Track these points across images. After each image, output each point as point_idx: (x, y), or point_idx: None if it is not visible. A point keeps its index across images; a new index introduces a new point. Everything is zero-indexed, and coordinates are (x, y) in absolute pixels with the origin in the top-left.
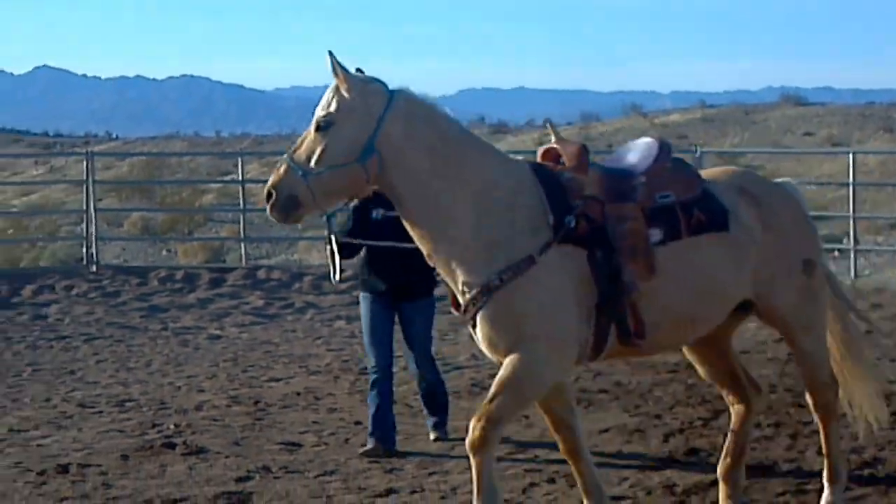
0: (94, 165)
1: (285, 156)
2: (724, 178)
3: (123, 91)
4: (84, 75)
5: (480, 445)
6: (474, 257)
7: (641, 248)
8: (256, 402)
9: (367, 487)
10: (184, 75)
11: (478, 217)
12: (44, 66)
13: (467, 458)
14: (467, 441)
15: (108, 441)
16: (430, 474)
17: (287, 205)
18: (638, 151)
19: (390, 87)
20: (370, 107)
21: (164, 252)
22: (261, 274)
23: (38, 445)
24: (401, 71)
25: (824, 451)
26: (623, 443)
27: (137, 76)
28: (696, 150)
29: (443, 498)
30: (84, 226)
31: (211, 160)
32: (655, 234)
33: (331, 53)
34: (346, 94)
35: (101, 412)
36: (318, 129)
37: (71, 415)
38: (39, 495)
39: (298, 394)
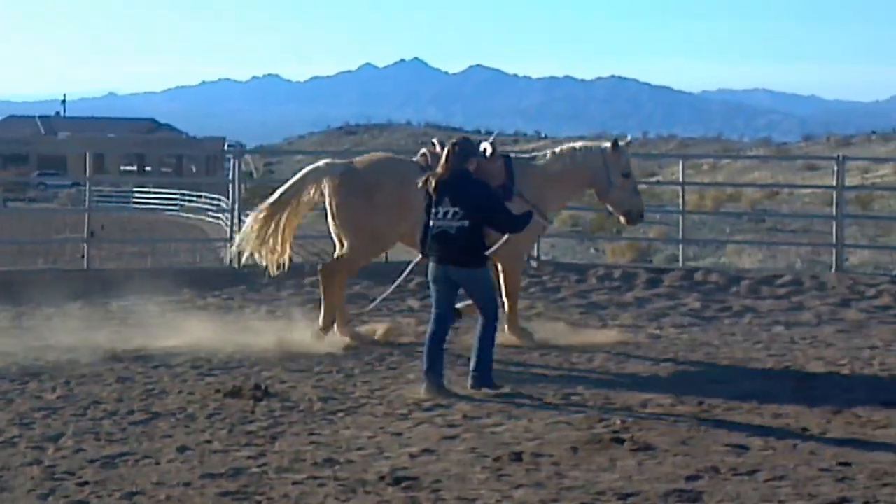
0: None
1: None
2: None
3: (552, 90)
4: (515, 75)
5: None
6: None
7: None
8: (700, 403)
9: (817, 495)
10: (612, 76)
11: None
12: (477, 65)
13: None
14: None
15: (558, 432)
16: (884, 486)
17: None
18: None
19: None
20: None
21: (592, 250)
22: (698, 276)
23: (492, 433)
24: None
25: None
26: None
27: (566, 76)
28: None
29: None
30: None
31: (637, 161)
32: None
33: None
34: None
35: (548, 404)
36: None
37: (521, 405)
38: (496, 480)
39: (742, 398)
